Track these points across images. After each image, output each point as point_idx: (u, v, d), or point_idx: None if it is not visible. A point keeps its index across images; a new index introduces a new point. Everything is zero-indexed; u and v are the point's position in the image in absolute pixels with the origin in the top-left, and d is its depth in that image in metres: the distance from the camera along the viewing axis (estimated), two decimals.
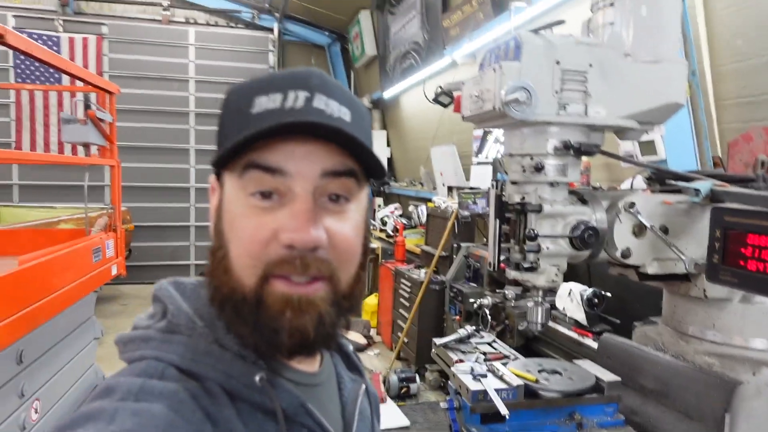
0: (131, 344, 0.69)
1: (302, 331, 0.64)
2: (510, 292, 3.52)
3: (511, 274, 1.64)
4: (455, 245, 4.97)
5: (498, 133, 4.71)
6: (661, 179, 1.76)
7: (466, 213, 4.81)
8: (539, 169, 1.51)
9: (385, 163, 0.68)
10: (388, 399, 4.51)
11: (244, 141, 0.62)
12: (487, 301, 3.75)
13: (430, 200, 6.03)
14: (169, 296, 0.72)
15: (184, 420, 0.58)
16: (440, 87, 2.37)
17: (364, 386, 0.86)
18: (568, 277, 2.94)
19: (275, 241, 0.64)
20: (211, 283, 0.69)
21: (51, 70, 8.09)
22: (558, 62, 1.45)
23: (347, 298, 0.69)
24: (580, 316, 3.08)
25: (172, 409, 0.58)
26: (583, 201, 1.63)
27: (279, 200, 0.65)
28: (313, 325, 0.64)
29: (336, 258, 0.66)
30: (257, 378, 0.66)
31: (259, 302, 0.64)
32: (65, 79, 8.03)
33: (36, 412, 2.68)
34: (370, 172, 0.71)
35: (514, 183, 1.64)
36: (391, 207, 7.67)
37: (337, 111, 0.66)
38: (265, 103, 0.65)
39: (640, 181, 3.25)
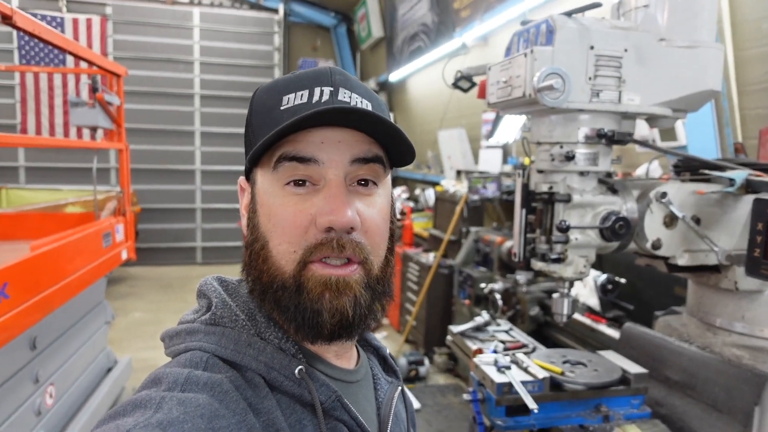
0: (177, 338, 0.72)
1: (341, 312, 0.66)
2: (521, 277, 3.48)
3: (537, 265, 1.60)
4: (464, 229, 4.93)
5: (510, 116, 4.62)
6: (691, 168, 1.71)
7: (475, 197, 4.76)
8: (570, 158, 1.46)
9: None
10: None
11: (278, 133, 0.65)
12: (498, 285, 3.72)
13: (437, 184, 5.97)
14: (214, 290, 0.74)
15: (228, 410, 0.60)
16: (459, 72, 2.30)
17: (399, 389, 0.85)
18: None
19: (313, 225, 0.67)
20: (249, 275, 0.72)
21: (55, 51, 8.01)
22: (592, 47, 1.40)
23: (380, 282, 0.71)
24: (594, 302, 3.05)
25: (217, 399, 0.60)
26: (613, 191, 1.58)
27: (313, 188, 0.68)
28: (350, 305, 0.67)
29: (367, 241, 0.69)
30: (297, 370, 0.67)
31: (299, 287, 0.67)
32: (69, 61, 7.96)
33: (51, 397, 2.68)
34: (393, 160, 0.74)
35: (540, 172, 1.59)
36: (398, 190, 7.62)
37: (360, 103, 0.71)
38: (293, 99, 0.69)
39: (656, 166, 3.19)
